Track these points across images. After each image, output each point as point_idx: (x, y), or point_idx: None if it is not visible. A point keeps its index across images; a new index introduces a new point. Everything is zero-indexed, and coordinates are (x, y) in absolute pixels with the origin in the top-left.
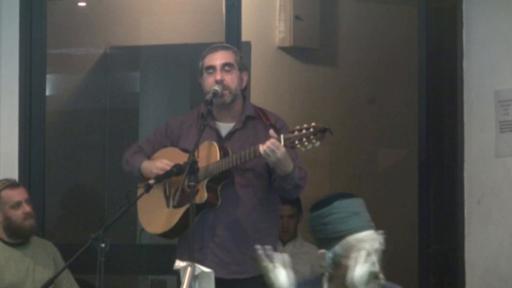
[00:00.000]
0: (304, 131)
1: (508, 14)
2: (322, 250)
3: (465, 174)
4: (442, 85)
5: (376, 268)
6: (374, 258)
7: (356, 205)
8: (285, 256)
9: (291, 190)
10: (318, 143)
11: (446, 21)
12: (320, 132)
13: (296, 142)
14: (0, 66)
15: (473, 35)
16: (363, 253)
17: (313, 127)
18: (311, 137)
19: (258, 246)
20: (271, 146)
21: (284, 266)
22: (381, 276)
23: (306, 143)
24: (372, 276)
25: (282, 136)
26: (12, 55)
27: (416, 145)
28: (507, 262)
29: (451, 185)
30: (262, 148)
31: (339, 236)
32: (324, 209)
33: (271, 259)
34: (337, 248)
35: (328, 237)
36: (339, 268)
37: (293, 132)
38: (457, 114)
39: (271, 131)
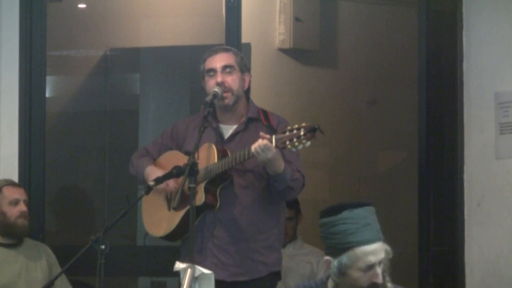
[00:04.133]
0: (294, 131)
1: (508, 16)
2: (328, 257)
3: (465, 176)
4: (442, 87)
5: (379, 280)
6: (379, 269)
7: (365, 215)
8: None
9: (283, 191)
10: (308, 143)
11: (446, 23)
12: (310, 132)
13: (287, 142)
14: (0, 68)
15: (473, 37)
16: None
17: (303, 127)
18: (301, 137)
19: None
20: (262, 145)
21: None
22: (389, 285)
23: (296, 143)
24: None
25: (274, 137)
26: (12, 57)
27: (416, 147)
28: (507, 264)
29: (451, 187)
30: (253, 147)
31: (347, 247)
32: (333, 218)
33: None
34: (344, 258)
35: (335, 246)
36: (344, 277)
37: (284, 132)
38: (457, 116)
39: (261, 133)
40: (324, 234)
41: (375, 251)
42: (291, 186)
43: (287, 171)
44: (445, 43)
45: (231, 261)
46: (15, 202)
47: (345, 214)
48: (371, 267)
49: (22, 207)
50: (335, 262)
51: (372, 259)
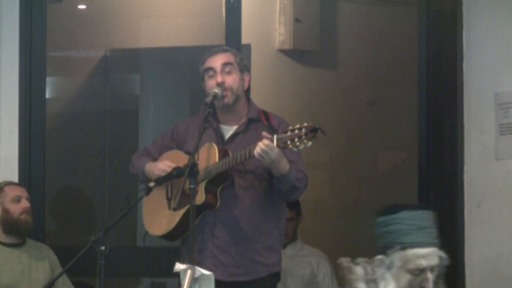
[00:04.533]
0: (296, 131)
1: (508, 17)
2: (381, 256)
3: (465, 176)
4: (442, 87)
5: (429, 285)
6: (430, 275)
7: (423, 219)
8: (366, 270)
9: (288, 191)
10: (310, 143)
11: (446, 24)
12: (311, 132)
13: (288, 142)
14: (0, 68)
15: (473, 38)
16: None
17: (305, 127)
18: (303, 137)
19: (342, 259)
20: (264, 147)
21: (364, 280)
22: None
23: (298, 143)
24: None
25: (275, 137)
26: (12, 58)
27: (416, 148)
28: (507, 264)
29: (451, 188)
30: (256, 151)
31: (399, 248)
32: (389, 217)
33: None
34: (395, 258)
35: (388, 246)
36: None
37: (286, 132)
38: (457, 117)
39: (264, 133)
40: (378, 233)
41: (428, 256)
42: (296, 186)
43: (292, 171)
44: (445, 43)
45: (231, 262)
46: (18, 199)
47: (402, 214)
48: (422, 270)
49: (25, 203)
50: (386, 261)
51: (423, 263)
